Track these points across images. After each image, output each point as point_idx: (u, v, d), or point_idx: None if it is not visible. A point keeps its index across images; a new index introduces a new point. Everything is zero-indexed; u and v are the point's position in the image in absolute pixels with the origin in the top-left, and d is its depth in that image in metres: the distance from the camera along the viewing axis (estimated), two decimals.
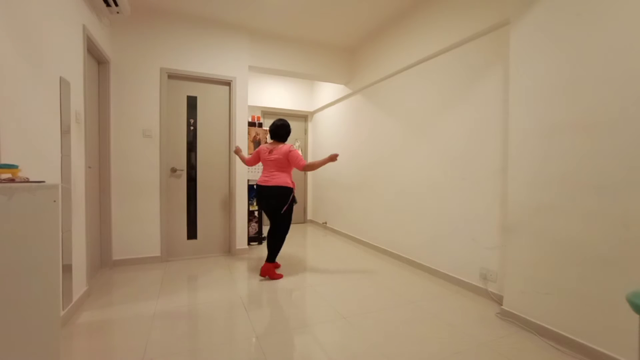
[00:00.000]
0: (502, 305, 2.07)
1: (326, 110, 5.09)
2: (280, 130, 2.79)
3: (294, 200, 2.75)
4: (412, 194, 3.12)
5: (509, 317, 2.00)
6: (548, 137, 1.80)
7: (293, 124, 5.53)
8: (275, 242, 2.75)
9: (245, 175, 3.55)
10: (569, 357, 1.62)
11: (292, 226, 5.29)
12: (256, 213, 3.99)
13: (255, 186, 2.80)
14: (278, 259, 3.23)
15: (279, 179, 2.68)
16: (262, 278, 2.74)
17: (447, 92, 2.71)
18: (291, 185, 2.73)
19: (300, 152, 2.78)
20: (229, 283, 2.62)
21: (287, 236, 4.49)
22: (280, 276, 2.76)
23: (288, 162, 2.70)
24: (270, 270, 2.73)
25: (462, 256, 2.55)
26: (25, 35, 1.50)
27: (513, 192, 1.99)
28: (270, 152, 2.76)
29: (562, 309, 1.73)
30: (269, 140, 3.03)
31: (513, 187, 1.99)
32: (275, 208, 2.69)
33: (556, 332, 1.74)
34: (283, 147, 2.72)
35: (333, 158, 2.58)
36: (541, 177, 1.83)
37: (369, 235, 3.89)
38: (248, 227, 3.81)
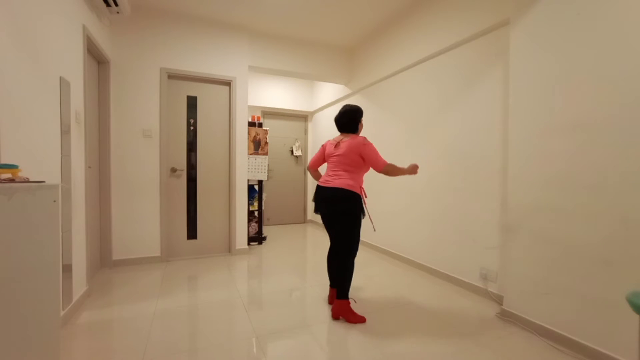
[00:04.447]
0: (502, 305, 2.07)
1: (326, 110, 5.08)
2: (344, 117, 2.15)
3: (361, 211, 2.04)
4: (412, 194, 3.12)
5: (509, 317, 2.00)
6: (548, 136, 1.79)
7: (293, 124, 5.57)
8: (339, 270, 2.01)
9: (245, 175, 3.55)
10: (569, 357, 1.62)
11: (291, 226, 5.28)
12: (256, 213, 3.99)
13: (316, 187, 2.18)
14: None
15: (343, 180, 2.00)
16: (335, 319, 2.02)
17: (447, 92, 2.71)
18: (357, 190, 2.01)
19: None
20: (229, 283, 2.62)
21: (289, 236, 4.49)
22: (362, 319, 1.97)
23: (360, 160, 2.02)
24: (343, 308, 1.98)
25: (462, 256, 2.55)
26: (25, 35, 1.50)
27: (513, 192, 1.99)
28: (337, 145, 2.12)
29: (562, 309, 1.73)
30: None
31: (513, 187, 1.99)
32: (333, 216, 2.04)
33: (556, 332, 1.74)
34: (355, 139, 2.05)
35: (414, 170, 2.07)
36: (541, 177, 1.83)
37: (368, 235, 3.88)
38: (248, 227, 3.81)
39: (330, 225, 2.11)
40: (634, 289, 1.01)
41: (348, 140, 2.07)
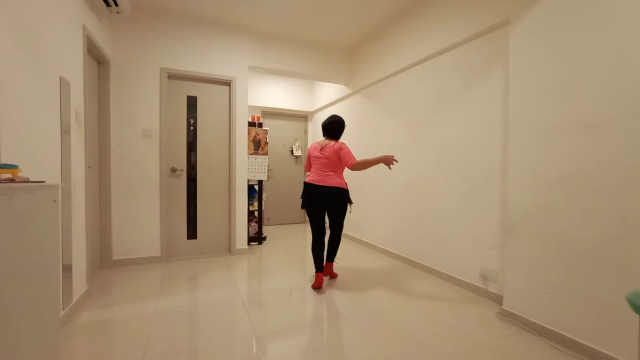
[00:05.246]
0: (502, 305, 2.07)
1: (326, 110, 5.08)
2: (332, 125, 2.63)
3: (350, 201, 2.63)
4: (412, 194, 3.12)
5: (509, 317, 2.00)
6: (548, 136, 1.79)
7: (293, 124, 5.58)
8: (335, 242, 2.70)
9: (245, 175, 3.55)
10: (569, 357, 1.62)
11: (291, 226, 5.30)
12: (256, 213, 3.99)
13: (304, 184, 2.65)
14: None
15: (334, 180, 2.51)
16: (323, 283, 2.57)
17: (447, 92, 2.71)
18: (345, 187, 2.57)
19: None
20: (229, 283, 2.62)
21: (289, 236, 4.52)
22: (336, 275, 2.79)
23: (339, 161, 2.52)
24: (331, 267, 2.75)
25: (462, 256, 2.55)
26: (25, 35, 1.50)
27: (513, 192, 1.99)
28: (322, 149, 2.58)
29: (562, 309, 1.73)
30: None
31: (513, 187, 1.99)
32: (331, 208, 2.56)
33: (556, 332, 1.74)
34: (335, 145, 2.54)
35: (388, 160, 2.36)
36: (541, 177, 1.83)
37: (368, 236, 3.88)
38: (248, 227, 3.81)
39: (319, 216, 2.58)
40: (634, 289, 1.01)
41: (331, 146, 2.55)
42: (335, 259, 2.90)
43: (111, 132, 2.95)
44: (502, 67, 2.23)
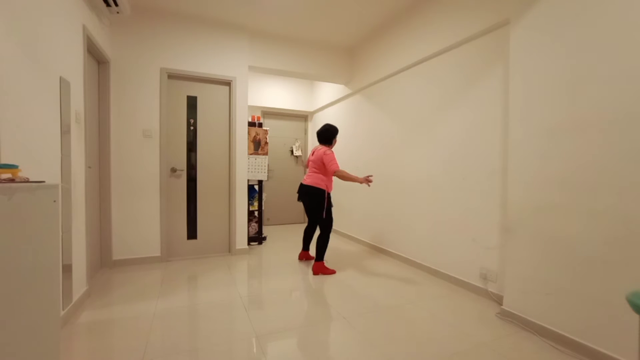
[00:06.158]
0: (502, 305, 2.07)
1: (326, 110, 5.09)
2: (323, 134, 2.99)
3: (329, 203, 2.88)
4: (412, 194, 3.12)
5: (509, 317, 2.00)
6: (548, 137, 1.80)
7: (293, 124, 5.58)
8: (318, 240, 2.90)
9: (245, 175, 3.55)
10: (569, 357, 1.62)
11: (291, 226, 5.30)
12: (256, 213, 3.99)
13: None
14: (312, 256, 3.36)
15: (312, 179, 2.87)
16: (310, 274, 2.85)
17: (447, 92, 2.71)
18: (322, 187, 2.83)
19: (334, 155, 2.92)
20: (229, 283, 2.62)
21: (289, 236, 4.52)
22: (333, 271, 2.88)
23: (323, 164, 2.83)
24: (320, 267, 2.85)
25: (462, 256, 2.55)
26: (25, 35, 1.50)
27: (513, 192, 1.99)
28: (312, 153, 3.00)
29: (562, 309, 1.73)
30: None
31: (513, 187, 1.99)
32: (307, 206, 2.95)
33: (556, 332, 1.74)
34: (321, 150, 2.90)
35: (368, 180, 2.71)
36: (541, 177, 1.83)
37: (368, 235, 3.88)
38: (248, 227, 3.81)
39: (306, 209, 3.01)
40: (634, 289, 1.01)
41: (318, 150, 2.94)
42: (324, 259, 3.07)
43: (111, 132, 2.95)
44: (503, 67, 2.23)
